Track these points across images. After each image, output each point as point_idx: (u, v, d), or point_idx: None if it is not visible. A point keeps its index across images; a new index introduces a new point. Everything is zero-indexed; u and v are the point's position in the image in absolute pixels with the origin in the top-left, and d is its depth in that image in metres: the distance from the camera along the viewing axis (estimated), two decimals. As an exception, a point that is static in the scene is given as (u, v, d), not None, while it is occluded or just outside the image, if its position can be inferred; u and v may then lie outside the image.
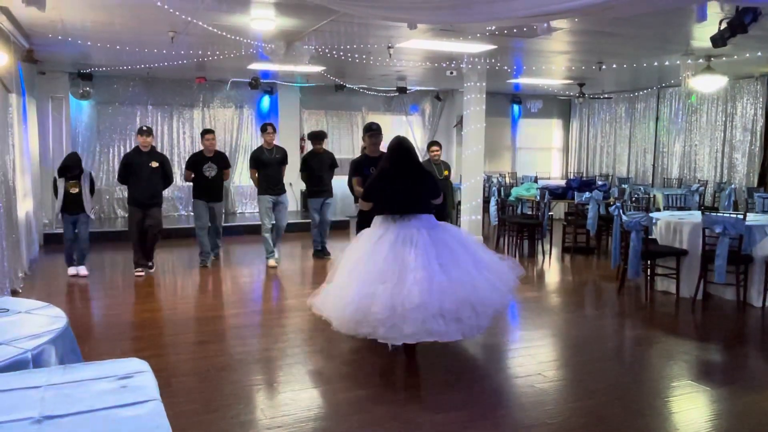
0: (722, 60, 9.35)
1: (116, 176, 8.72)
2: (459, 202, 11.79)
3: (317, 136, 8.98)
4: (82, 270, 7.92)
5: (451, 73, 11.00)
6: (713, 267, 6.42)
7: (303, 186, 9.79)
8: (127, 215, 12.42)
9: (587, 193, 9.88)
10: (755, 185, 11.92)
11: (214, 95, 13.29)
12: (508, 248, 10.10)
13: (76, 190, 7.68)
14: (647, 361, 5.09)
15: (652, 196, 10.73)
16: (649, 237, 7.11)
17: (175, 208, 12.90)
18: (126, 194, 12.39)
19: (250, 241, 10.60)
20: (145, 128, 8.02)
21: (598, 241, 10.01)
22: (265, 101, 13.67)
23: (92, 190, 7.92)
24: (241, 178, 13.66)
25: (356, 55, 9.20)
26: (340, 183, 9.33)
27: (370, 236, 4.99)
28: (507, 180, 14.78)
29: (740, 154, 12.42)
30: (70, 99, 11.75)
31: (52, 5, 6.02)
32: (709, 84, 9.71)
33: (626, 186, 12.40)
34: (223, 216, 12.55)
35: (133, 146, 12.47)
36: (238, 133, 13.67)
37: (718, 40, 6.30)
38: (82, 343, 3.34)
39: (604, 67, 10.22)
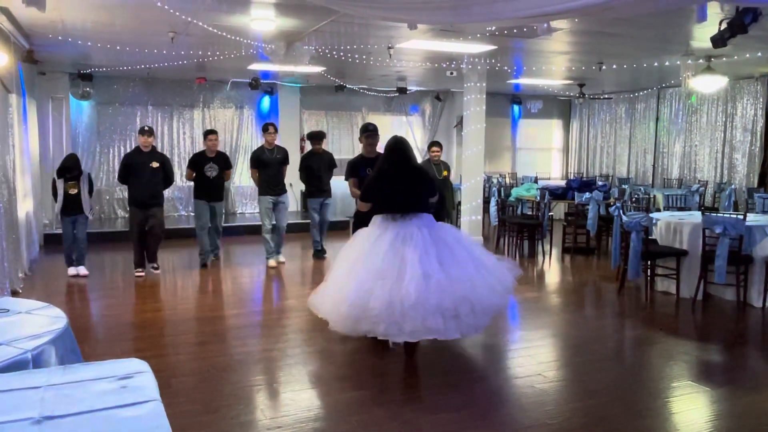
0: (722, 60, 9.35)
1: (116, 176, 8.69)
2: (459, 203, 11.79)
3: (316, 137, 8.99)
4: (82, 270, 7.93)
5: (451, 73, 11.01)
6: (713, 267, 6.42)
7: (303, 186, 9.77)
8: (127, 216, 12.59)
9: (587, 193, 9.89)
10: (755, 186, 11.92)
11: (214, 96, 13.29)
12: (508, 248, 10.10)
13: (75, 191, 7.69)
14: (647, 361, 5.08)
15: (652, 196, 10.74)
16: (649, 237, 7.11)
17: (175, 209, 12.90)
18: (126, 194, 12.60)
19: (250, 242, 10.60)
20: (146, 128, 7.99)
21: (598, 242, 10.01)
22: (266, 102, 13.68)
23: (90, 191, 7.91)
24: (242, 178, 13.66)
25: (356, 56, 9.21)
26: (339, 183, 9.33)
27: (368, 235, 4.99)
28: (507, 180, 14.79)
29: (740, 154, 12.42)
30: (71, 99, 11.75)
31: (53, 6, 6.02)
32: (709, 84, 9.71)
33: (626, 186, 12.40)
34: (224, 216, 12.61)
35: (133, 146, 12.62)
36: (238, 134, 13.67)
37: (718, 40, 6.30)
38: (82, 343, 3.34)
39: (604, 67, 10.21)
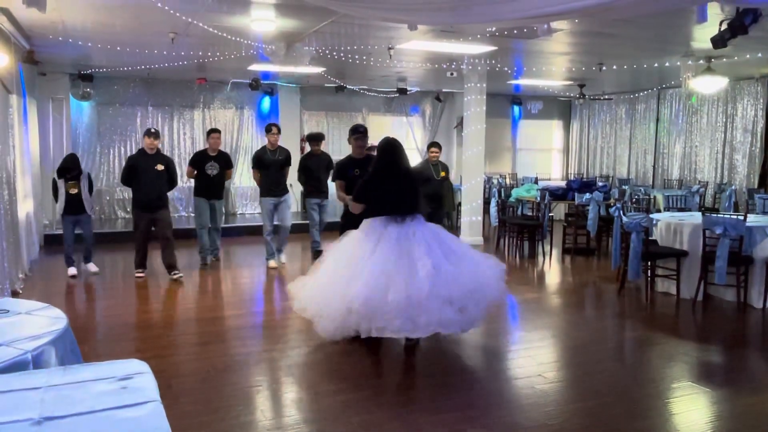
0: (722, 61, 9.35)
1: (119, 178, 8.60)
2: (459, 203, 11.80)
3: (315, 138, 9.00)
4: (92, 267, 8.07)
5: (452, 74, 11.01)
6: (713, 268, 6.41)
7: (301, 187, 9.75)
8: (127, 216, 12.62)
9: (587, 194, 9.88)
10: (756, 186, 11.92)
11: (214, 96, 13.30)
12: (508, 249, 10.10)
13: (75, 190, 7.71)
14: (647, 362, 5.08)
15: (652, 197, 10.73)
16: (650, 238, 7.11)
17: (175, 209, 12.88)
18: (126, 195, 12.65)
19: (250, 242, 10.60)
20: (152, 130, 7.84)
21: (598, 242, 10.01)
22: (266, 102, 13.68)
23: (90, 191, 7.93)
24: (242, 179, 13.68)
25: (356, 56, 9.21)
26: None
27: (366, 236, 4.97)
28: (507, 181, 14.78)
29: (741, 155, 12.42)
30: (71, 100, 11.76)
31: (53, 6, 6.03)
32: (709, 85, 9.71)
33: (626, 187, 12.40)
34: (224, 217, 12.61)
35: (134, 147, 12.66)
36: (238, 134, 13.68)
37: (719, 41, 6.30)
38: (82, 344, 3.34)
39: (604, 68, 10.22)
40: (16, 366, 2.39)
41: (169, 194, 8.19)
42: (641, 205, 9.64)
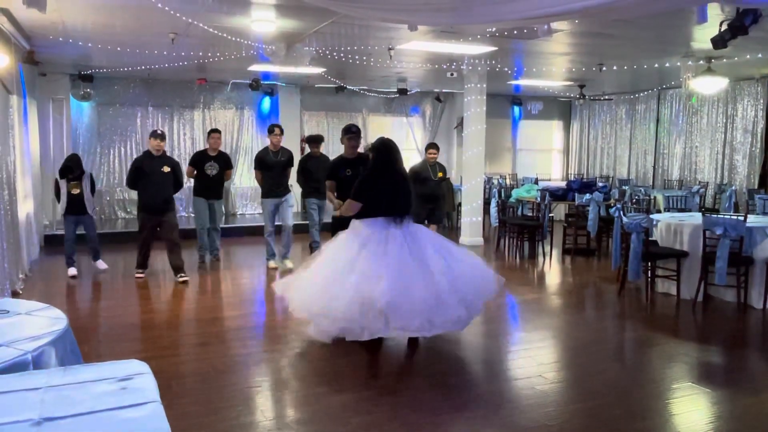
0: (723, 62, 9.35)
1: (119, 178, 8.57)
2: (459, 204, 11.80)
3: (315, 140, 9.00)
4: (101, 264, 8.13)
5: (452, 74, 11.01)
6: (714, 269, 6.41)
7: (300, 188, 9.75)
8: (127, 217, 12.63)
9: (588, 194, 9.88)
10: (756, 187, 11.92)
11: (214, 96, 13.30)
12: (508, 250, 10.10)
13: (77, 191, 7.72)
14: (648, 362, 5.08)
15: (652, 197, 10.73)
16: (650, 239, 7.11)
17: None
18: (126, 196, 12.66)
19: (250, 243, 10.61)
20: (159, 131, 7.79)
21: (598, 243, 10.00)
22: (266, 103, 13.68)
23: (92, 191, 7.94)
24: (242, 179, 13.69)
25: (357, 57, 9.21)
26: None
27: (372, 236, 4.95)
28: (507, 181, 14.79)
29: (741, 155, 12.43)
30: (71, 100, 11.77)
31: (53, 7, 6.03)
32: (709, 85, 9.72)
33: (627, 187, 12.40)
34: (224, 217, 12.61)
35: (134, 147, 12.68)
36: (238, 135, 13.68)
37: (719, 41, 6.30)
38: (82, 344, 3.34)
39: (604, 68, 10.22)
40: (16, 366, 2.38)
41: (170, 195, 8.15)
42: (641, 206, 9.64)
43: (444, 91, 14.82)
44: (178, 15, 6.35)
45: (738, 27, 5.88)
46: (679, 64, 9.47)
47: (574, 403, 4.17)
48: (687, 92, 12.63)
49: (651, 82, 12.96)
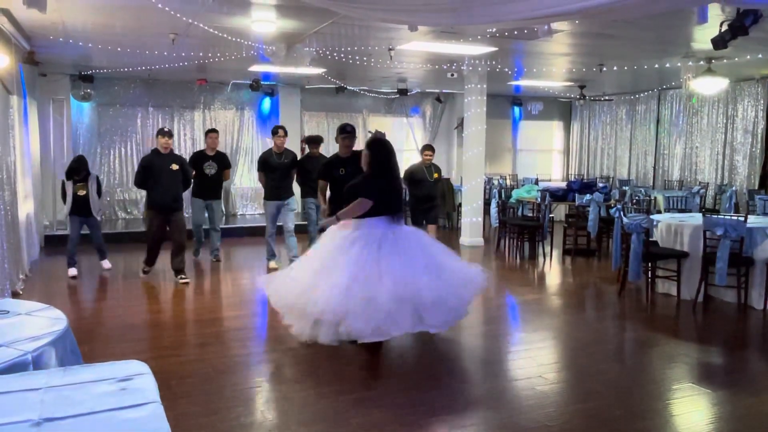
0: (723, 62, 9.35)
1: (133, 179, 8.46)
2: (460, 204, 11.80)
3: (314, 141, 8.99)
4: (106, 263, 8.18)
5: (452, 75, 11.01)
6: (714, 269, 6.40)
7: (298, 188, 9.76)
8: (130, 218, 12.64)
9: (588, 195, 9.88)
10: (756, 187, 11.92)
11: (214, 97, 13.31)
12: (508, 250, 10.10)
13: (84, 192, 7.74)
14: (648, 363, 5.08)
15: (652, 198, 10.73)
16: (650, 239, 7.10)
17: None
18: (127, 196, 12.67)
19: (251, 243, 10.60)
20: (165, 129, 7.72)
21: (598, 243, 10.00)
22: (266, 103, 13.68)
23: (99, 193, 7.97)
24: (242, 179, 13.69)
25: (357, 57, 9.21)
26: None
27: (368, 237, 4.92)
28: (508, 182, 14.79)
29: (741, 156, 12.42)
30: (71, 101, 11.76)
31: (53, 7, 6.03)
32: (709, 86, 9.71)
33: (627, 188, 12.40)
34: (224, 217, 12.61)
35: (134, 148, 12.67)
36: (238, 135, 13.68)
37: (719, 42, 6.30)
38: (82, 344, 3.34)
39: (604, 69, 10.22)
40: (16, 367, 2.39)
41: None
42: (642, 206, 9.63)
43: (444, 91, 14.82)
44: (178, 15, 6.35)
45: (738, 27, 5.88)
46: (679, 64, 9.47)
47: (575, 403, 4.16)
48: (687, 93, 12.63)
49: (651, 82, 12.96)
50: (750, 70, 11.10)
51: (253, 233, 11.01)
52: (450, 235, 11.90)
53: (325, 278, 4.74)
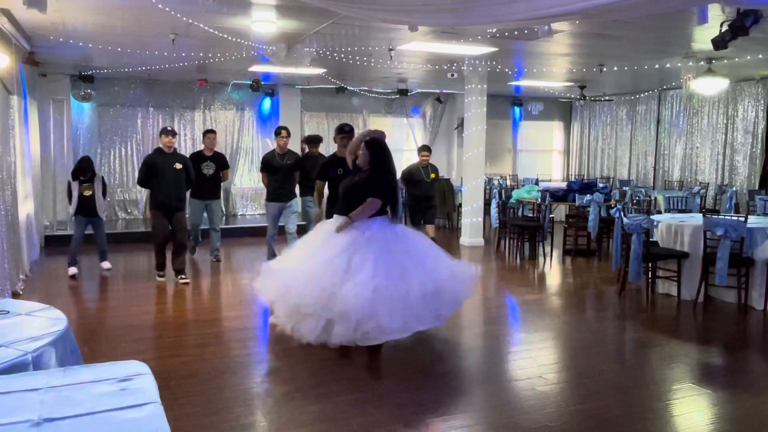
0: (723, 62, 9.35)
1: (136, 179, 8.43)
2: (460, 205, 11.80)
3: (313, 140, 8.99)
4: (106, 264, 8.18)
5: (452, 75, 11.01)
6: (714, 270, 6.41)
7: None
8: (130, 218, 12.64)
9: (588, 195, 9.88)
10: (756, 188, 11.92)
11: (215, 97, 13.31)
12: (509, 250, 10.10)
13: (89, 192, 7.77)
14: (648, 363, 5.07)
15: (653, 198, 10.73)
16: (650, 239, 7.10)
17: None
18: (127, 196, 12.67)
19: (251, 243, 10.60)
20: (169, 128, 7.66)
21: (599, 244, 10.00)
22: (266, 103, 13.68)
23: (104, 193, 8.02)
24: (242, 180, 13.70)
25: (357, 58, 9.21)
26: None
27: (385, 236, 4.94)
28: (508, 182, 14.79)
29: (741, 156, 12.42)
30: (72, 101, 11.76)
31: (53, 7, 6.03)
32: (710, 86, 9.71)
33: (627, 188, 12.40)
34: (224, 218, 12.61)
35: (135, 148, 12.68)
36: (239, 135, 13.68)
37: (719, 42, 6.29)
38: (82, 345, 3.34)
39: (605, 69, 10.22)
40: (16, 367, 2.39)
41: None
42: (642, 207, 9.62)
43: (444, 91, 14.82)
44: (178, 16, 6.35)
45: (738, 28, 5.87)
46: (679, 65, 9.47)
47: (575, 404, 4.16)
48: (687, 93, 12.63)
49: (651, 82, 12.96)
50: (750, 71, 11.10)
51: (254, 233, 11.01)
52: (450, 235, 11.91)
53: (345, 279, 4.64)
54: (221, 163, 8.87)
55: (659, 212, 10.01)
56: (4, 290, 6.05)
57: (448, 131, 15.76)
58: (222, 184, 9.30)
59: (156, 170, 7.37)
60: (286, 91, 13.57)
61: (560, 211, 11.91)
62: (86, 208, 7.76)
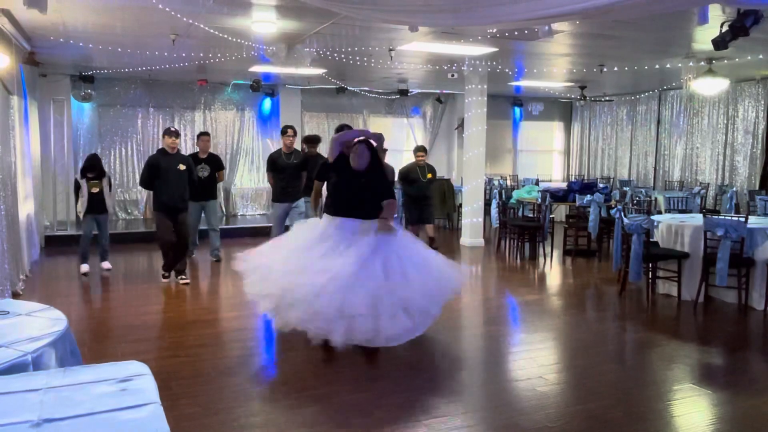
0: (724, 63, 9.35)
1: (138, 179, 8.35)
2: (460, 205, 11.80)
3: (311, 140, 8.98)
4: (106, 264, 8.20)
5: (453, 75, 11.01)
6: (715, 270, 6.40)
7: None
8: (130, 218, 12.64)
9: (588, 195, 9.88)
10: (757, 188, 11.91)
11: (215, 97, 13.31)
12: (509, 251, 10.09)
13: (97, 189, 7.88)
14: (649, 364, 5.07)
15: (653, 198, 10.73)
16: (651, 240, 7.10)
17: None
18: (127, 197, 12.67)
19: (251, 244, 10.52)
20: (172, 129, 7.62)
21: (599, 244, 10.00)
22: (266, 104, 13.69)
23: (110, 188, 8.14)
24: (242, 180, 13.70)
25: (357, 58, 9.21)
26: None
27: (350, 238, 4.97)
28: (508, 182, 14.79)
29: (742, 156, 12.42)
30: (72, 101, 11.77)
31: (54, 8, 6.03)
32: (710, 87, 9.71)
33: (627, 189, 12.39)
34: (224, 218, 12.61)
35: (135, 148, 12.68)
36: (239, 136, 13.68)
37: (720, 42, 6.30)
38: (81, 345, 3.34)
39: (605, 69, 10.22)
40: (16, 368, 2.38)
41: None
42: (642, 207, 9.63)
43: (445, 92, 14.82)
44: (178, 16, 6.35)
45: (739, 28, 5.87)
46: (680, 65, 9.46)
47: (575, 404, 4.16)
48: (688, 93, 12.62)
49: (652, 83, 12.96)
50: (750, 71, 11.10)
51: (254, 234, 10.99)
52: (450, 235, 11.91)
53: (360, 281, 4.65)
54: (216, 164, 8.93)
55: (659, 212, 10.01)
56: (4, 290, 6.05)
57: (449, 131, 15.76)
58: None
59: (159, 171, 7.32)
60: (286, 92, 13.57)
61: (560, 212, 11.91)
62: (94, 205, 7.88)
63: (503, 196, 11.39)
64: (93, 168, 7.91)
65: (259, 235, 9.46)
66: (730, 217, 6.60)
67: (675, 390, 4.45)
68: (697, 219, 7.20)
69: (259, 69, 10.76)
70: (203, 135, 8.93)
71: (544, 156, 17.11)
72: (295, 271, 4.78)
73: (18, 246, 7.25)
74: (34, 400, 1.99)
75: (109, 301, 7.04)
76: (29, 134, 9.10)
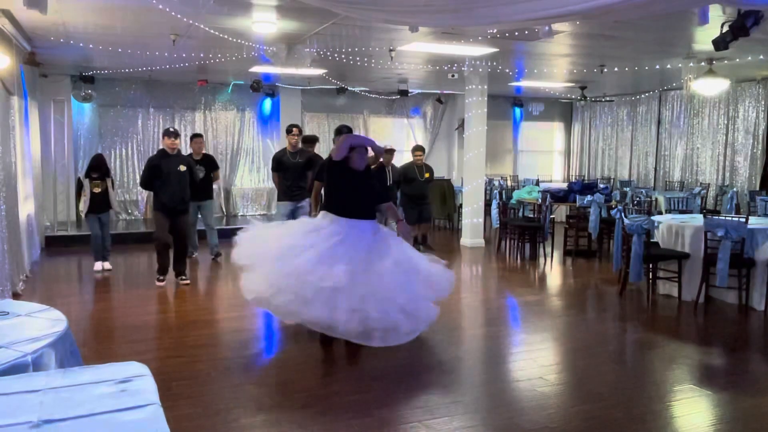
0: (724, 63, 9.35)
1: (139, 180, 8.31)
2: (460, 205, 11.80)
3: (309, 140, 8.98)
4: (107, 265, 8.24)
5: (453, 76, 11.01)
6: (715, 270, 6.40)
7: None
8: (130, 219, 12.64)
9: (589, 196, 9.88)
10: (757, 188, 11.90)
11: (215, 98, 13.31)
12: (509, 251, 10.09)
13: (99, 189, 7.96)
14: (649, 364, 5.07)
15: (653, 199, 10.72)
16: (651, 240, 7.09)
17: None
18: (127, 197, 12.67)
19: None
20: (172, 129, 7.57)
21: (599, 245, 9.99)
22: (267, 104, 13.68)
23: (113, 189, 8.24)
24: (243, 180, 13.70)
25: (358, 58, 9.21)
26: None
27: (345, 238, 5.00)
28: (508, 183, 14.78)
29: (742, 157, 12.41)
30: (72, 102, 11.77)
31: (54, 8, 6.03)
32: (710, 87, 9.70)
33: (628, 189, 12.39)
34: (224, 218, 12.61)
35: (135, 149, 12.68)
36: (239, 136, 13.68)
37: (720, 43, 6.29)
38: (81, 346, 3.34)
39: (605, 70, 10.21)
40: (16, 368, 2.38)
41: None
42: (642, 207, 9.62)
43: (445, 92, 14.82)
44: (178, 16, 6.34)
45: (739, 28, 5.87)
46: (680, 65, 9.45)
47: (575, 405, 4.16)
48: (688, 94, 12.62)
49: (652, 83, 12.95)
50: (751, 71, 11.09)
51: (254, 234, 10.99)
52: (451, 236, 11.91)
53: (353, 278, 4.68)
54: (211, 165, 8.99)
55: (660, 213, 10.00)
56: (4, 291, 6.05)
57: (449, 132, 15.75)
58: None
59: (160, 172, 7.28)
60: (286, 92, 13.57)
61: (561, 212, 11.90)
62: (97, 205, 7.96)
63: (503, 197, 11.38)
64: (98, 168, 8.03)
65: (259, 235, 9.46)
66: (730, 218, 6.60)
67: (675, 391, 4.45)
68: (697, 219, 7.20)
69: (259, 69, 10.76)
70: (196, 137, 9.04)
71: (545, 156, 17.10)
72: (288, 272, 4.82)
73: (18, 246, 7.25)
74: (34, 401, 1.99)
75: (109, 302, 7.04)
76: (30, 135, 9.11)
